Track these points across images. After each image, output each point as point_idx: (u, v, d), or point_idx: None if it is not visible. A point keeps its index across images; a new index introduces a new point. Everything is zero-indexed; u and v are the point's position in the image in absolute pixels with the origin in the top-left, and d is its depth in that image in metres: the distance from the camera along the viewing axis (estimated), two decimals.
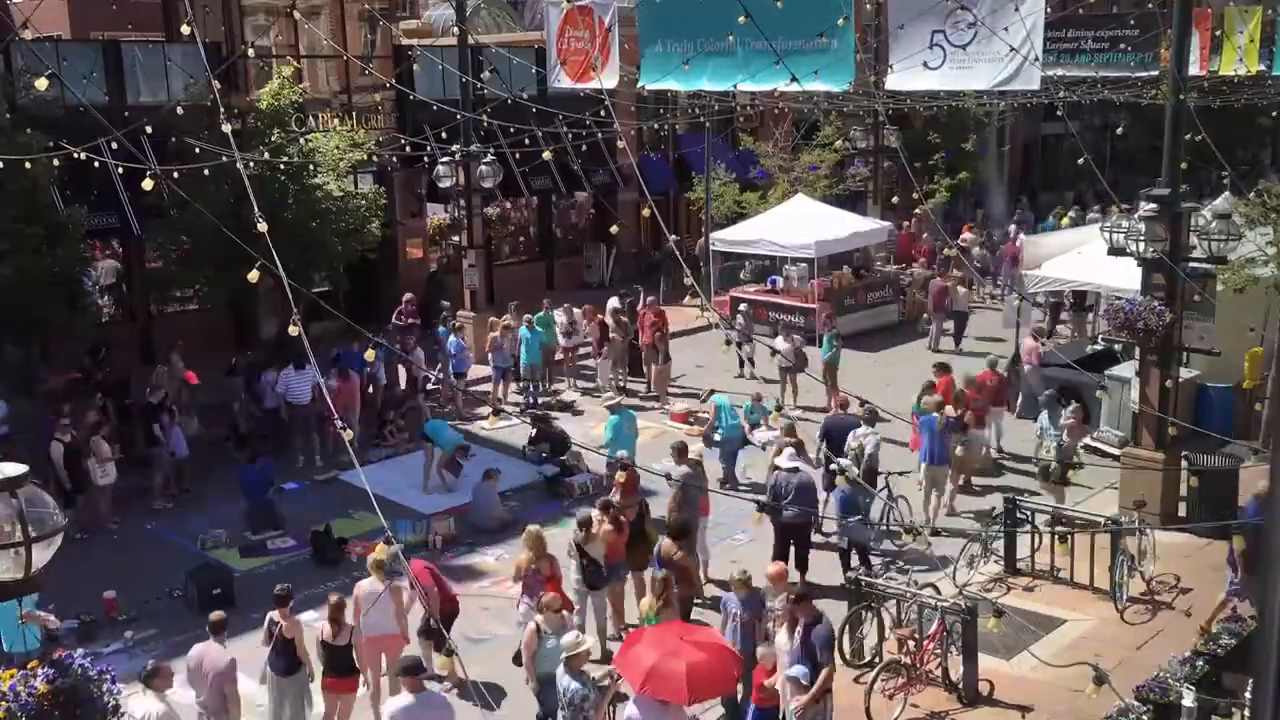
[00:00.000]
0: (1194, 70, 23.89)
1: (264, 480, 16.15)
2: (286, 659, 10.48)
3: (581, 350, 23.67)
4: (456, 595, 12.27)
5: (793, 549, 13.59)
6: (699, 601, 13.16)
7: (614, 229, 24.63)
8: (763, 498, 13.99)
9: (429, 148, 23.21)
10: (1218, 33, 27.03)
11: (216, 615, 10.41)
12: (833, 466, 14.94)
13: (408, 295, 24.01)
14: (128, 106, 21.19)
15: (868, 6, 29.48)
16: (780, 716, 10.37)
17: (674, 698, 9.11)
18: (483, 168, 23.20)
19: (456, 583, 14.09)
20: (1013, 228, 31.25)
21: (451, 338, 21.34)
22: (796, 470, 13.67)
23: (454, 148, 23.15)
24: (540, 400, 21.65)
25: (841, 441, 15.17)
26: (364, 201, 21.73)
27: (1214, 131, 16.71)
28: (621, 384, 22.45)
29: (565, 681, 9.80)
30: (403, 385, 21.49)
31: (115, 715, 5.69)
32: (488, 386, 21.92)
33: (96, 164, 12.70)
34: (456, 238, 27.18)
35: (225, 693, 9.98)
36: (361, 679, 10.99)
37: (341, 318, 11.91)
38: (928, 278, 27.19)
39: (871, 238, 28.17)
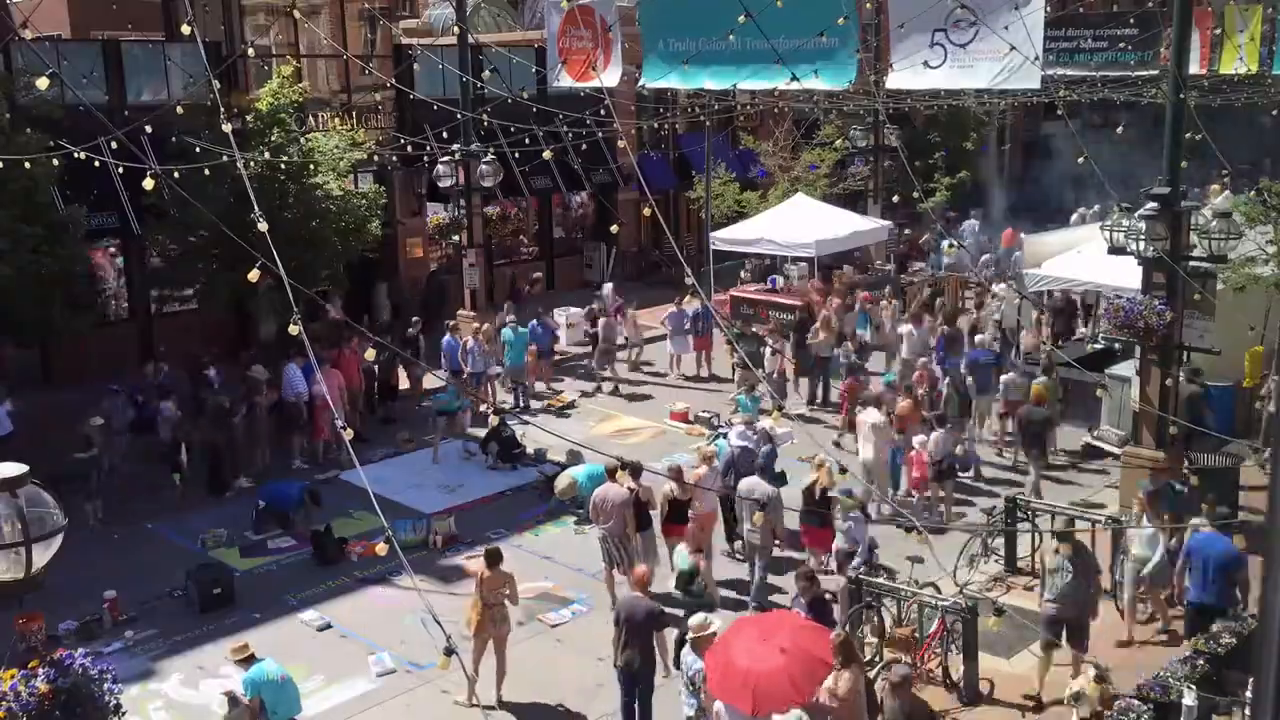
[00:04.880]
0: (1194, 69, 23.87)
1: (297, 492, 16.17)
2: (641, 517, 13.27)
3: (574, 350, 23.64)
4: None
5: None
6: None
7: (614, 228, 24.62)
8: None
9: (429, 147, 23.19)
10: (1218, 31, 27.00)
11: (610, 463, 13.52)
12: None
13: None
14: (128, 106, 21.18)
15: (868, 6, 29.45)
16: None
17: (786, 704, 9.02)
18: (483, 167, 23.19)
19: (456, 583, 14.17)
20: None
21: (447, 338, 21.30)
22: (746, 447, 14.95)
23: (454, 147, 23.14)
24: (529, 401, 21.50)
25: None
26: (364, 201, 21.71)
27: (1214, 130, 16.69)
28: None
29: (690, 659, 9.99)
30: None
31: (115, 715, 5.70)
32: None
33: (96, 164, 12.66)
34: (456, 237, 27.18)
35: (625, 518, 12.93)
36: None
37: (343, 317, 11.91)
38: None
39: (871, 237, 28.18)
